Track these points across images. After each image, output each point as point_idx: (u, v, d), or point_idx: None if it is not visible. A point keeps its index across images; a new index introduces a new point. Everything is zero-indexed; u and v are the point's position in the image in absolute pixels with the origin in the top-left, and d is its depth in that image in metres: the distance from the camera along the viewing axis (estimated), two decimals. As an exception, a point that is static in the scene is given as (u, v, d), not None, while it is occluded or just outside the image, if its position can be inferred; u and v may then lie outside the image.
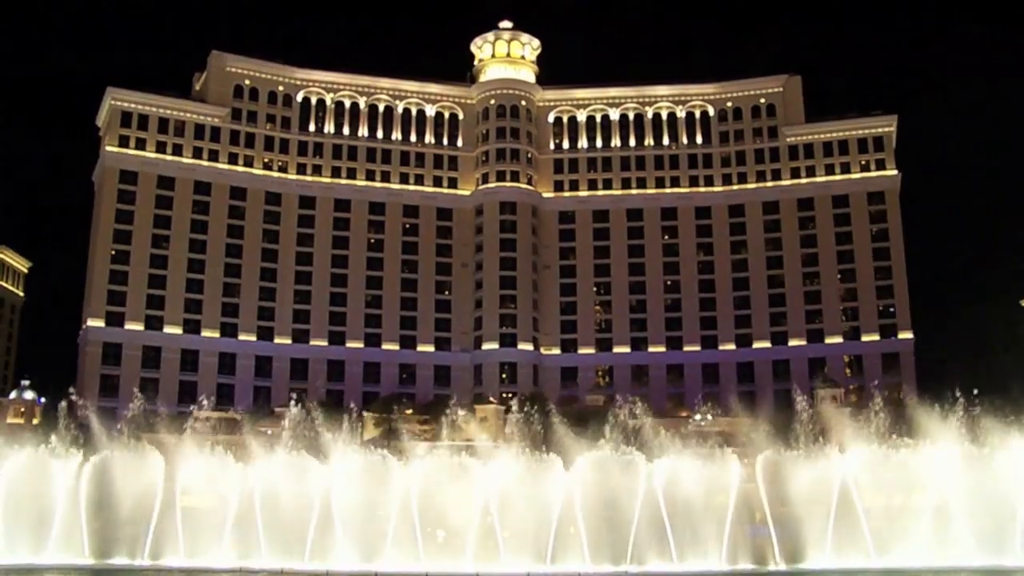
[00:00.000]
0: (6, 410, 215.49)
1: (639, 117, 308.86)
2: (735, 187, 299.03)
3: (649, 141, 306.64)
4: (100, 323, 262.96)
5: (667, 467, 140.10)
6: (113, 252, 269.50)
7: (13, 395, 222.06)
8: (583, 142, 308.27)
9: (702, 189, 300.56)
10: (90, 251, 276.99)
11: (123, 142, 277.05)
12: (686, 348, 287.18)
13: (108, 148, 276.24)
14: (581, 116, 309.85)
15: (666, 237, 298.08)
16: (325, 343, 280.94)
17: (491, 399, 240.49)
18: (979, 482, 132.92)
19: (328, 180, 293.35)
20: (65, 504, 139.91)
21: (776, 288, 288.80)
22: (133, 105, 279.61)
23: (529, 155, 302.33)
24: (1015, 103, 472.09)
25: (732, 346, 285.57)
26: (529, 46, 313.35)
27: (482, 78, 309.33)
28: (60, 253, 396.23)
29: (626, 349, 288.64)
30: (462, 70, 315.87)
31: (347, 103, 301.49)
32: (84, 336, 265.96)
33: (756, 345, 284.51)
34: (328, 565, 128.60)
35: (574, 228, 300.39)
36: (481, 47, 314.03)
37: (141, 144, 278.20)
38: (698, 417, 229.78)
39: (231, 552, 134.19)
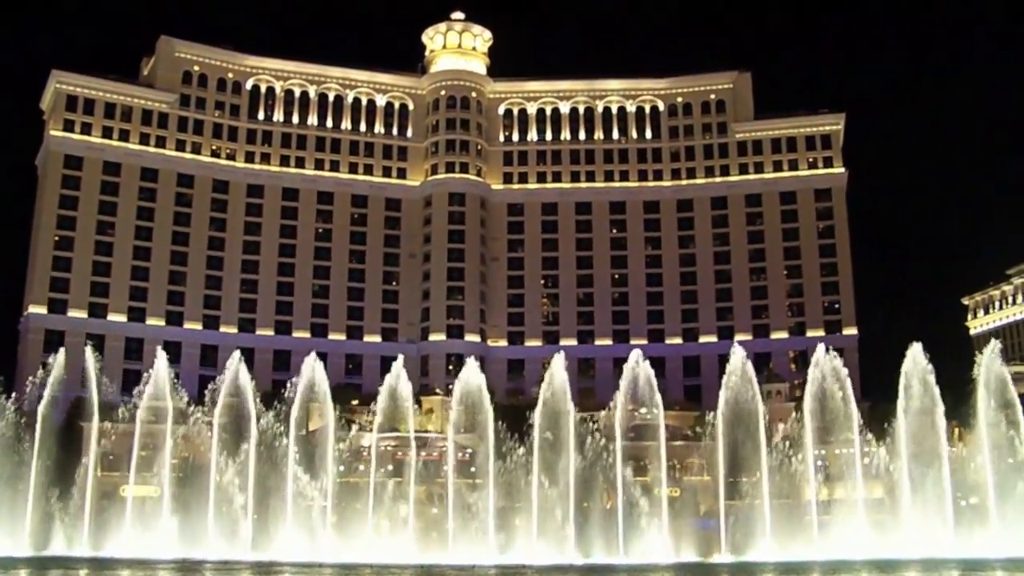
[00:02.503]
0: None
1: (589, 111, 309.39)
2: (684, 182, 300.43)
3: (599, 135, 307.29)
4: (42, 310, 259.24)
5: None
6: (56, 238, 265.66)
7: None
8: (533, 135, 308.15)
9: (651, 183, 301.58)
10: (32, 237, 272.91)
11: (68, 126, 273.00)
12: (633, 342, 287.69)
13: (52, 132, 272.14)
14: (531, 109, 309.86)
15: (614, 231, 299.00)
16: (271, 332, 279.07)
17: (437, 390, 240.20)
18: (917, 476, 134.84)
19: (276, 169, 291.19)
20: (3, 494, 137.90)
21: (723, 283, 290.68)
22: (79, 89, 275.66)
23: (479, 147, 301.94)
24: (961, 102, 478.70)
25: (679, 340, 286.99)
26: (480, 38, 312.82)
27: (433, 69, 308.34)
28: (0, 238, 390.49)
29: (573, 342, 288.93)
30: (413, 60, 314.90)
31: (297, 91, 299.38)
32: (25, 323, 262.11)
33: (702, 339, 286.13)
34: (272, 555, 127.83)
35: (523, 220, 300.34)
36: (432, 37, 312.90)
37: (87, 129, 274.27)
38: (643, 410, 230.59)
39: (174, 542, 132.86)
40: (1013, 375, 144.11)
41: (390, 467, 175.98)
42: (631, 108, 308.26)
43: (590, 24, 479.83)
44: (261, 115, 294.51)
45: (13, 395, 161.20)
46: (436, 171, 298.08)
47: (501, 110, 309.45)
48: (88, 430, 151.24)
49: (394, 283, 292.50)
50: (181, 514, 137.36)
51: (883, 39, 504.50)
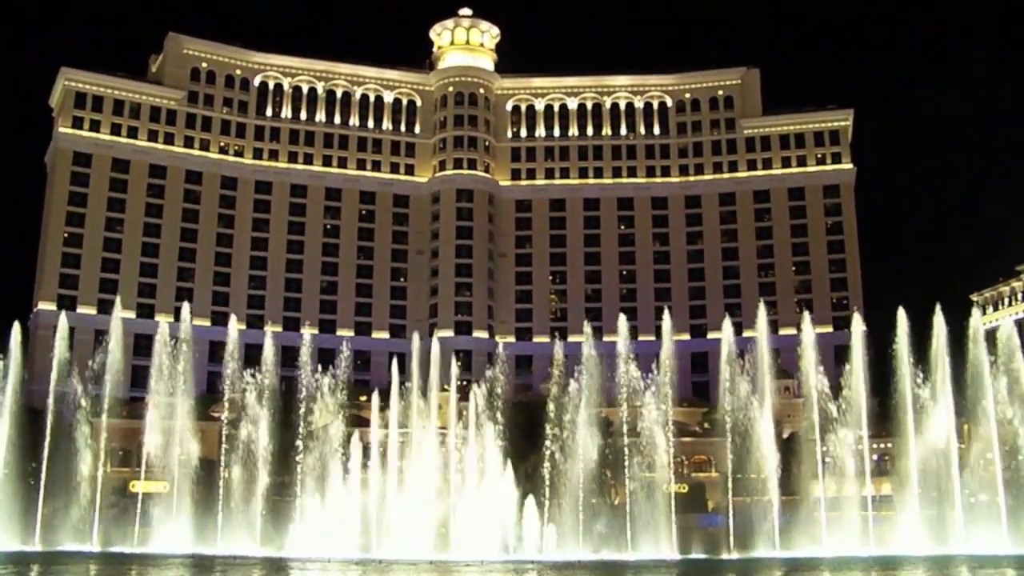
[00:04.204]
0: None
1: (597, 107, 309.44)
2: (691, 178, 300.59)
3: (607, 131, 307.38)
4: (51, 306, 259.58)
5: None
6: (65, 235, 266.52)
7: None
8: (541, 131, 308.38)
9: (659, 179, 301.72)
10: (42, 233, 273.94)
11: (77, 123, 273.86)
12: (641, 338, 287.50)
13: (61, 129, 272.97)
14: (539, 105, 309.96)
15: (622, 227, 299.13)
16: (280, 329, 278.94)
17: (445, 387, 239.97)
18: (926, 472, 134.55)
19: (285, 165, 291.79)
20: (13, 489, 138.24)
21: (731, 279, 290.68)
22: (87, 86, 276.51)
23: (487, 143, 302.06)
24: (972, 98, 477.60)
25: (687, 336, 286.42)
26: (488, 34, 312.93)
27: (441, 65, 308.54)
28: (10, 235, 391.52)
29: (581, 338, 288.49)
30: (421, 57, 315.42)
31: (305, 88, 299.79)
32: (35, 319, 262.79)
33: (711, 335, 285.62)
34: (282, 551, 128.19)
35: (530, 217, 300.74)
36: (440, 34, 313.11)
37: (95, 126, 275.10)
38: (651, 406, 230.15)
39: (185, 538, 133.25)
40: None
41: (398, 462, 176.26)
42: (639, 104, 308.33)
43: (598, 20, 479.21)
44: (269, 112, 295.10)
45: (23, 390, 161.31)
46: (444, 167, 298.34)
47: (509, 106, 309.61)
48: (98, 426, 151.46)
49: (402, 279, 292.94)
50: (191, 510, 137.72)
51: (892, 35, 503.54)
